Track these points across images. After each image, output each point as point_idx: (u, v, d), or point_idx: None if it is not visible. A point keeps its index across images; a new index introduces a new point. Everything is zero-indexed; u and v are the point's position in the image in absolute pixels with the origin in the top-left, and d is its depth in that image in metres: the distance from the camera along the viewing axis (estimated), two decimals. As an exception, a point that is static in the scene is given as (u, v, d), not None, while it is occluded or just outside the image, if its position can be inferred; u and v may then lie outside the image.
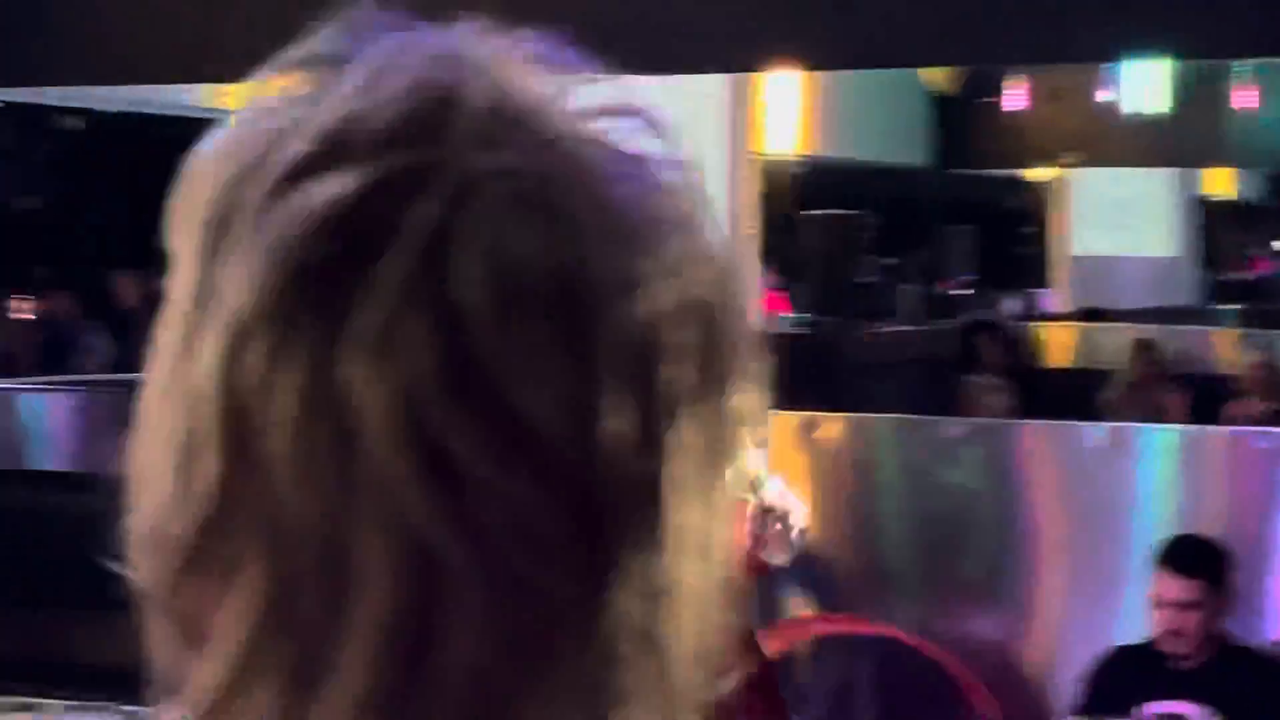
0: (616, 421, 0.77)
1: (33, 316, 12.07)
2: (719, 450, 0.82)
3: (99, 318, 12.15)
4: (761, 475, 3.58)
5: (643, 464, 0.79)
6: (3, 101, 10.69)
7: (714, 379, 0.81)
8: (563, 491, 0.77)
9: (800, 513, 5.12)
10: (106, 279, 12.62)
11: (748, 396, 0.84)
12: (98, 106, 9.26)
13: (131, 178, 13.44)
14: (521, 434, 0.76)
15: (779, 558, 5.15)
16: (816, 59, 7.22)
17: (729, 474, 0.83)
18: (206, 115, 9.91)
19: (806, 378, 8.24)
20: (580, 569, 0.78)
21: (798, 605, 6.68)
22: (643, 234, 0.79)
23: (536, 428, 0.76)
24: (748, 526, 3.26)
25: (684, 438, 0.80)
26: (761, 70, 9.46)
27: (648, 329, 0.78)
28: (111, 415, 7.72)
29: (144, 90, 8.54)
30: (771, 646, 5.93)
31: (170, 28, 7.35)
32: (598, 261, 0.78)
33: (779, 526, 3.63)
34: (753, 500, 3.34)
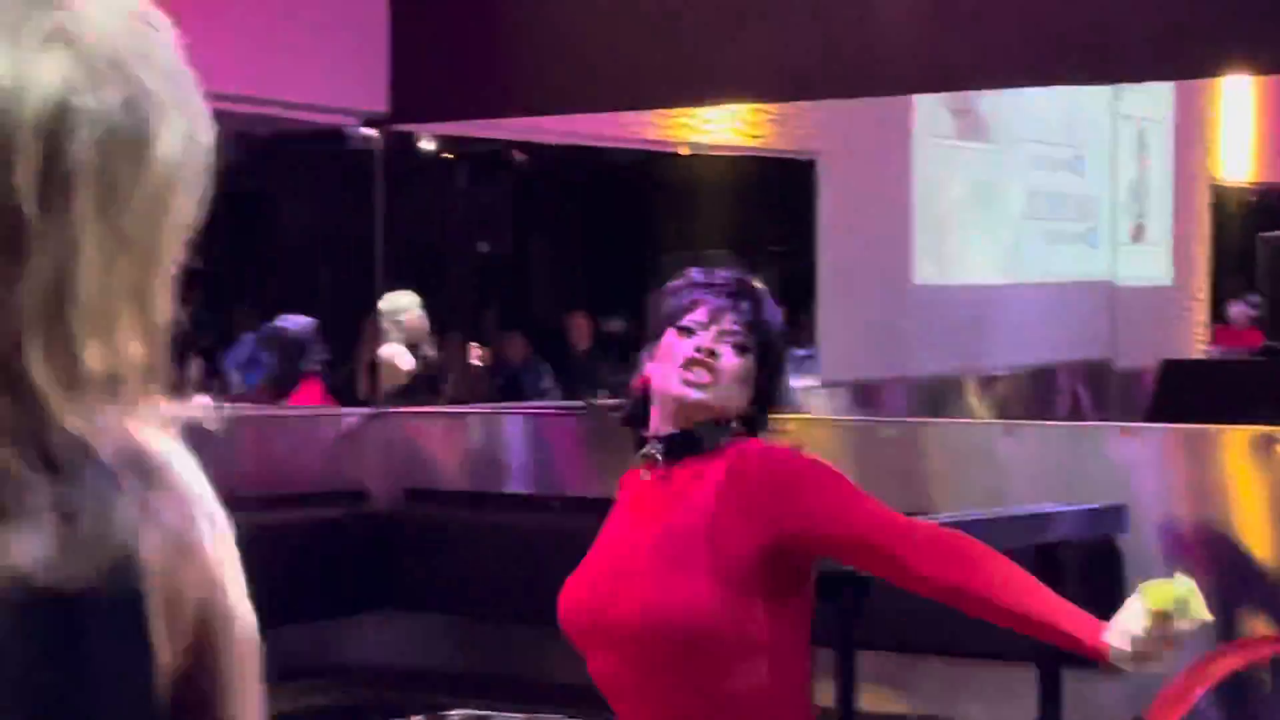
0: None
1: (486, 361, 12.27)
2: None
3: (551, 359, 12.33)
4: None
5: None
6: (451, 145, 10.97)
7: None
8: None
9: None
10: (559, 320, 12.84)
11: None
12: (548, 141, 9.42)
13: (583, 216, 13.73)
14: None
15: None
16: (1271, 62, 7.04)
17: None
18: (657, 149, 10.10)
19: (1266, 397, 8.03)
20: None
21: (1256, 625, 6.50)
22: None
23: None
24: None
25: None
26: (1212, 75, 9.21)
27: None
28: (562, 440, 7.90)
29: (594, 124, 8.69)
30: (1228, 665, 5.78)
31: (619, 54, 7.51)
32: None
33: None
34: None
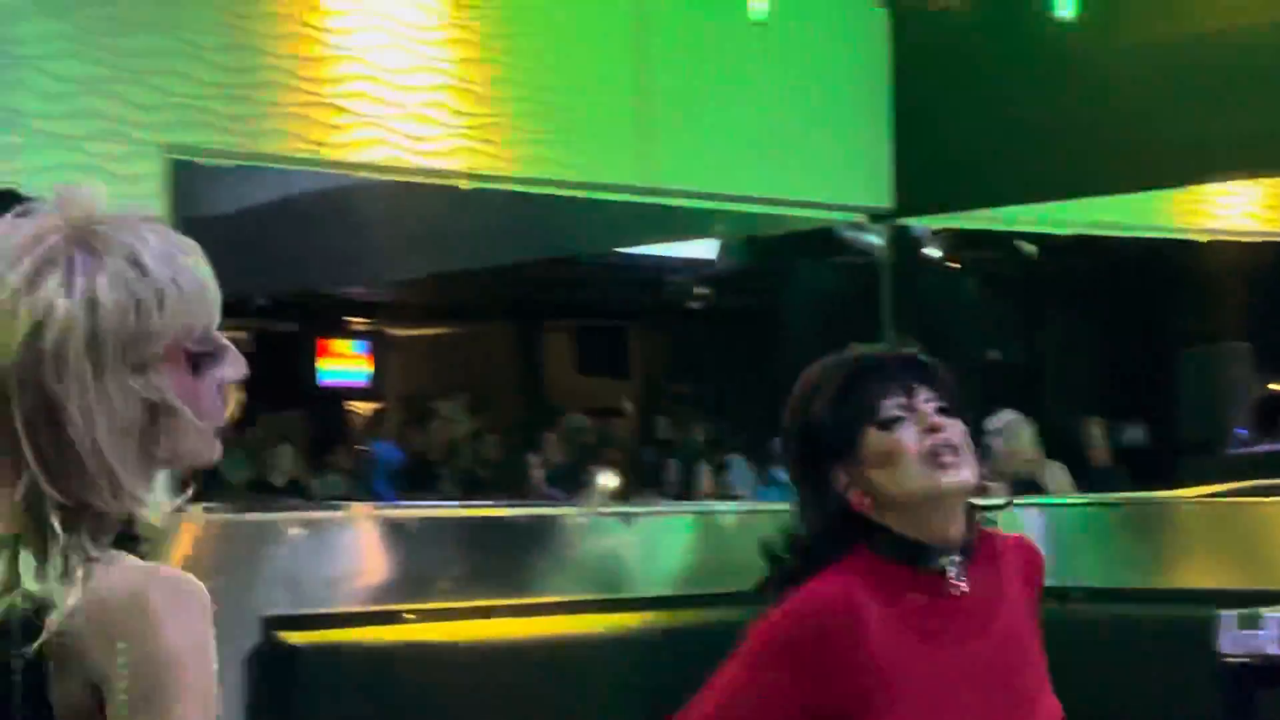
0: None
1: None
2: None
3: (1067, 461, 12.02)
4: None
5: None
6: (955, 250, 10.88)
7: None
8: None
9: None
10: (1074, 422, 12.57)
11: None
12: (1056, 233, 9.23)
13: (1094, 312, 13.41)
14: None
15: None
16: None
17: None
18: (1171, 236, 9.80)
19: None
20: None
21: None
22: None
23: None
24: None
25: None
26: None
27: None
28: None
29: (1103, 213, 8.50)
30: None
31: (1129, 133, 7.34)
32: None
33: None
34: None
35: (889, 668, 3.03)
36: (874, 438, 3.07)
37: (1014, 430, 8.93)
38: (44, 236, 1.97)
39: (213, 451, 2.07)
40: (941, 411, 3.08)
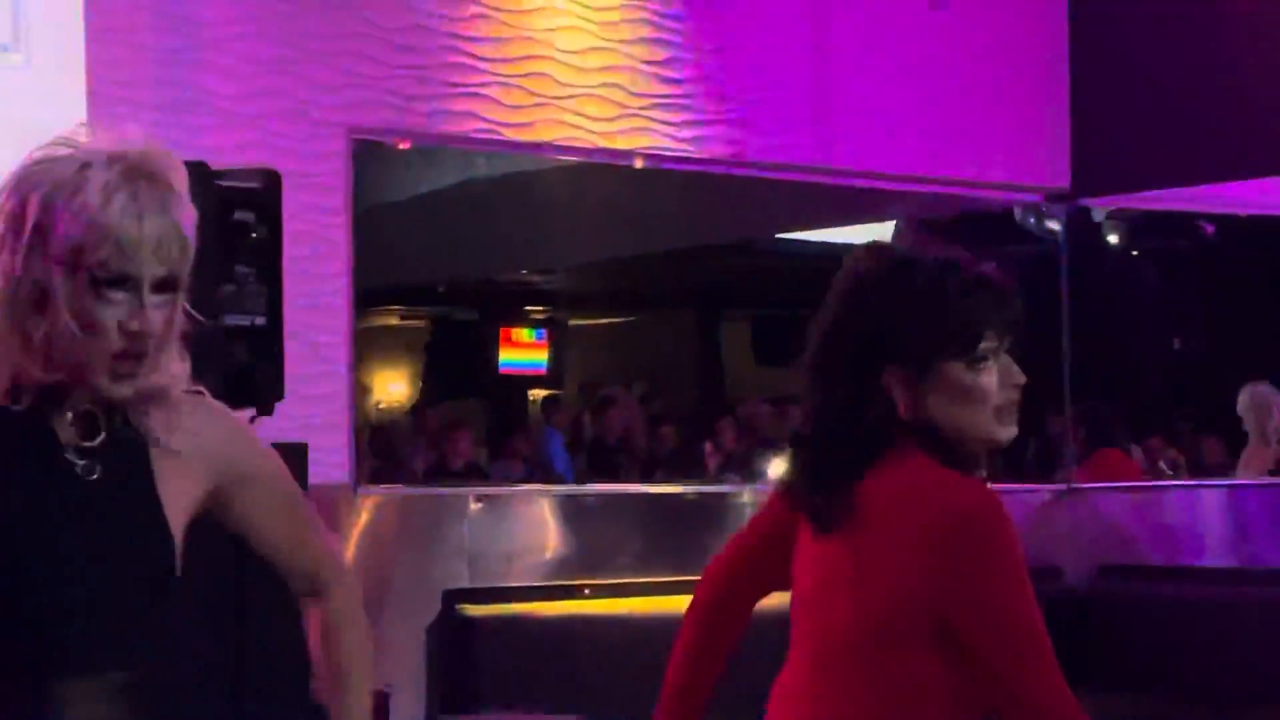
0: None
1: (1180, 466, 11.86)
2: None
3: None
4: None
5: None
6: (1137, 238, 10.78)
7: None
8: None
9: None
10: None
11: None
12: (1238, 213, 9.12)
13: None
14: None
15: None
16: None
17: None
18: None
19: None
20: None
21: None
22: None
23: None
24: None
25: None
26: None
27: None
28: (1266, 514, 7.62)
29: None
30: None
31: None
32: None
33: None
34: None
35: None
36: (957, 370, 2.93)
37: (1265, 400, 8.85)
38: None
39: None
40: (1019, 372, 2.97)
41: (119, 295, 2.54)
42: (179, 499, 2.68)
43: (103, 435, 2.62)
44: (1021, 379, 2.96)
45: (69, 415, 2.61)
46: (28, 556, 2.56)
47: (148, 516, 2.65)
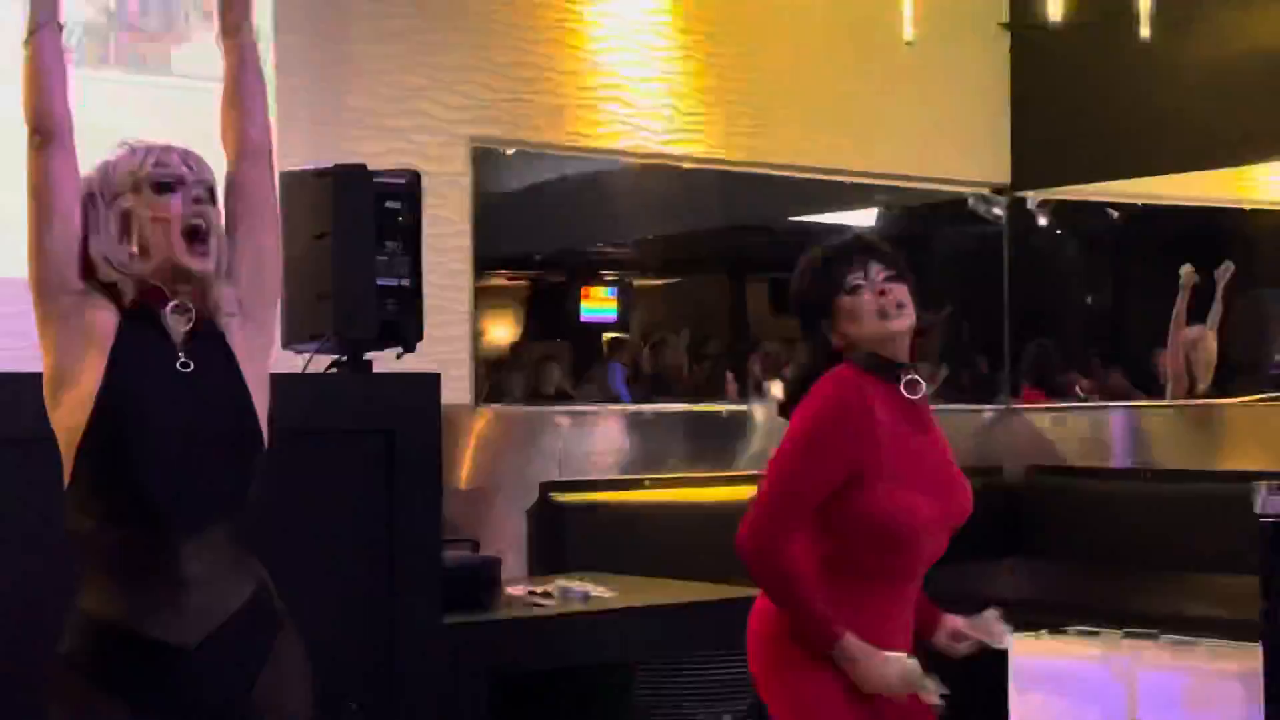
0: None
1: (1089, 392, 11.80)
2: None
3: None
4: None
5: None
6: (1061, 221, 10.67)
7: None
8: None
9: None
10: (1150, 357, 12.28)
11: None
12: (1147, 203, 9.05)
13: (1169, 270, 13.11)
14: None
15: None
16: None
17: None
18: (1225, 206, 9.57)
19: None
20: None
21: None
22: None
23: None
24: None
25: None
26: None
27: None
28: (1162, 429, 7.55)
29: (1179, 187, 8.32)
30: None
31: (1211, 118, 7.19)
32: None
33: None
34: None
35: (887, 440, 3.13)
36: (843, 301, 3.21)
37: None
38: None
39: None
40: (890, 279, 3.21)
41: (173, 198, 2.55)
42: (258, 382, 2.62)
43: (193, 322, 2.55)
44: (887, 285, 3.20)
45: (170, 308, 2.56)
46: (150, 430, 2.50)
47: (239, 400, 2.59)
